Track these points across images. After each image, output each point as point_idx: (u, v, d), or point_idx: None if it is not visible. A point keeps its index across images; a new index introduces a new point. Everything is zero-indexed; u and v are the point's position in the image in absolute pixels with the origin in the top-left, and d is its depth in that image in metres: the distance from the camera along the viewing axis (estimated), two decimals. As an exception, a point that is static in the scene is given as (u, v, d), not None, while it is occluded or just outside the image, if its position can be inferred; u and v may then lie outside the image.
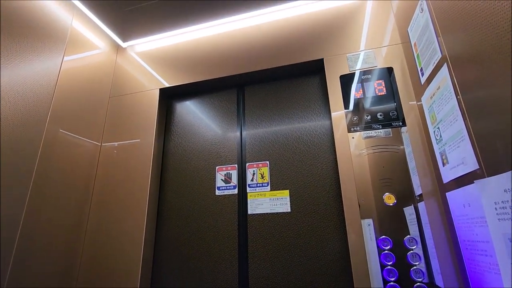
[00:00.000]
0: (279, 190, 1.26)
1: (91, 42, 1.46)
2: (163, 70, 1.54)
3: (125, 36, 1.60)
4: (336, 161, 1.16)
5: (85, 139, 1.36)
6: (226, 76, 1.42)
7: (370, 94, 1.18)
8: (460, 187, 0.79)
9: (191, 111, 1.54)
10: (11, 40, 1.05)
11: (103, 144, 1.46)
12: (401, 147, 1.07)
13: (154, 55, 1.59)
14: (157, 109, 1.45)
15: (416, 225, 0.97)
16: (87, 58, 1.42)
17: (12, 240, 0.99)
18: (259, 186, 1.28)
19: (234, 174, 1.34)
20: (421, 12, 0.97)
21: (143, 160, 1.36)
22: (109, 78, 1.58)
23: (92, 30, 1.48)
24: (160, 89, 1.49)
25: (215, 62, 1.46)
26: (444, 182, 0.88)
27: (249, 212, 1.26)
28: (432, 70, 0.91)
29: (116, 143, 1.44)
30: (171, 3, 1.36)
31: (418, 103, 1.05)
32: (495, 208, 0.61)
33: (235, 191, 1.31)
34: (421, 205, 0.97)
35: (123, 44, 1.66)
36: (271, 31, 1.42)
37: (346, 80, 1.22)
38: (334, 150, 1.20)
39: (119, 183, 1.35)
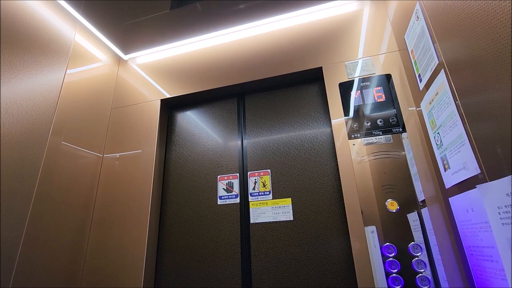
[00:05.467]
0: (281, 198, 1.25)
1: (93, 55, 1.49)
2: (164, 81, 1.56)
3: (126, 49, 1.63)
4: (338, 168, 1.15)
5: (87, 150, 1.37)
6: (226, 86, 1.43)
7: (369, 101, 1.18)
8: (462, 192, 0.78)
9: (192, 121, 1.55)
10: (15, 55, 1.07)
11: (105, 155, 1.47)
12: (402, 153, 1.07)
13: (155, 66, 1.62)
14: (158, 119, 1.46)
15: (420, 231, 0.96)
16: (89, 71, 1.45)
17: (16, 245, 0.98)
18: (261, 195, 1.28)
19: (236, 183, 1.34)
20: (417, 20, 0.98)
21: (145, 170, 1.36)
22: (111, 90, 1.60)
23: (94, 44, 1.51)
24: (161, 100, 1.51)
25: (215, 72, 1.48)
26: (447, 187, 0.87)
27: (252, 221, 1.25)
28: (430, 76, 0.91)
29: (118, 154, 1.45)
30: (171, 16, 1.39)
31: (417, 109, 1.06)
32: (499, 212, 0.60)
33: (237, 200, 1.31)
34: (424, 211, 0.97)
35: (125, 57, 1.68)
36: (270, 41, 1.45)
37: (345, 88, 1.23)
38: (335, 157, 1.20)
39: (121, 193, 1.35)
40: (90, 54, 1.47)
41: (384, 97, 1.17)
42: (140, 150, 1.42)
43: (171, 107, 1.62)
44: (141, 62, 1.66)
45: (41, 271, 1.07)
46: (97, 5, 1.32)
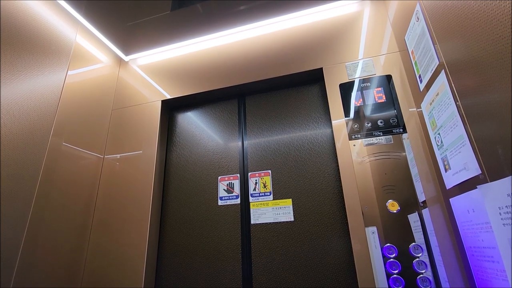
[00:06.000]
0: (282, 199, 1.25)
1: (94, 56, 1.49)
2: (165, 82, 1.56)
3: (127, 50, 1.63)
4: (338, 169, 1.16)
5: (88, 151, 1.37)
6: (227, 87, 1.44)
7: (370, 101, 1.18)
8: (463, 193, 0.78)
9: (192, 122, 1.56)
10: (16, 56, 1.08)
11: (105, 156, 1.47)
12: (403, 153, 1.07)
13: (155, 67, 1.62)
14: (159, 120, 1.46)
15: (421, 232, 0.96)
16: (91, 72, 1.45)
17: (17, 246, 0.98)
18: (262, 196, 1.28)
19: (236, 184, 1.34)
20: (417, 21, 0.98)
21: (145, 171, 1.36)
22: (112, 91, 1.61)
23: (95, 45, 1.51)
24: (162, 101, 1.51)
25: (215, 73, 1.48)
26: (447, 188, 0.87)
27: (252, 222, 1.25)
28: (430, 77, 0.92)
29: (118, 155, 1.45)
30: (172, 17, 1.40)
31: (418, 110, 1.06)
32: (499, 213, 0.60)
33: (238, 201, 1.31)
34: (425, 212, 0.97)
35: (126, 58, 1.69)
36: (271, 42, 1.45)
37: (345, 89, 1.24)
38: (336, 158, 1.20)
39: (122, 194, 1.36)
40: (91, 55, 1.47)
41: (384, 98, 1.17)
42: (141, 151, 1.42)
43: (172, 108, 1.62)
44: (142, 63, 1.67)
45: (41, 272, 1.07)
46: (98, 6, 1.33)
